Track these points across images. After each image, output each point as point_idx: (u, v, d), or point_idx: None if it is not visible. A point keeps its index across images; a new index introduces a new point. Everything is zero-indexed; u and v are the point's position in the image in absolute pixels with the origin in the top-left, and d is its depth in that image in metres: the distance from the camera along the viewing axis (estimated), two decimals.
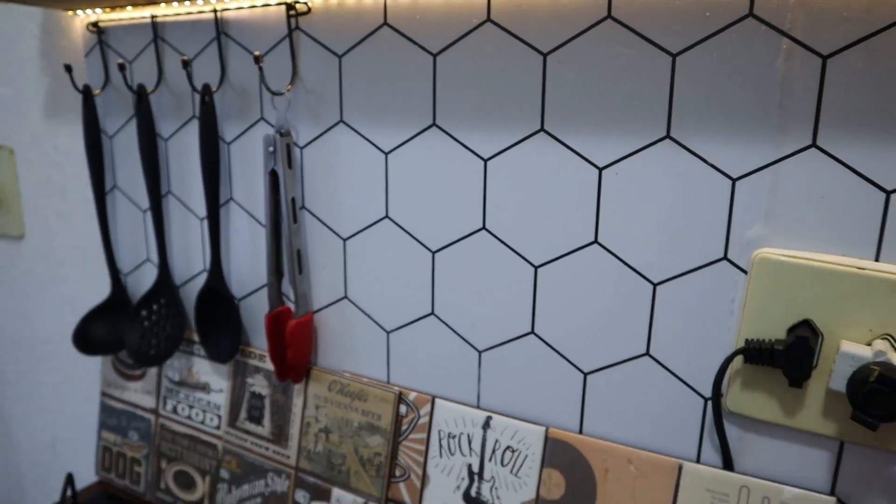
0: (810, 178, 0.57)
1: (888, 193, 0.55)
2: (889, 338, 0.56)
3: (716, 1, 0.58)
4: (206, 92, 0.82)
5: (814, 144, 0.57)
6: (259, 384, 0.91)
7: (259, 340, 0.91)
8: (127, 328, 0.95)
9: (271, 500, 0.90)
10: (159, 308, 0.96)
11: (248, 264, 0.90)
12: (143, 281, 1.01)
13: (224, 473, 0.94)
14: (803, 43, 0.56)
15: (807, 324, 0.59)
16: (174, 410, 0.99)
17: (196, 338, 0.95)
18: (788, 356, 0.58)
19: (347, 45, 0.76)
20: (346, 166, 0.79)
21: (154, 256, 0.99)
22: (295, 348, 0.82)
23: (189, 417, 0.98)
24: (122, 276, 1.02)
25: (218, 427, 0.95)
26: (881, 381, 0.53)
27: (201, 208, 0.92)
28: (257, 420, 0.91)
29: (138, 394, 1.03)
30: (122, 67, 0.88)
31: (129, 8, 0.88)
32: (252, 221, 0.88)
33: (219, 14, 0.83)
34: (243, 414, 0.92)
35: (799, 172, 0.58)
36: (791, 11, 0.55)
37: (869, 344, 0.56)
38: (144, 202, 0.98)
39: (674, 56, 0.60)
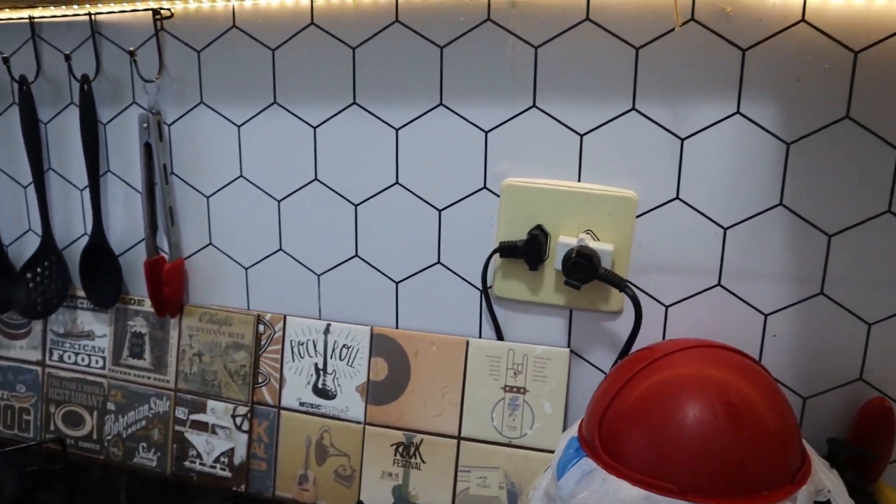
0: (535, 127, 0.85)
1: (581, 136, 0.84)
2: (590, 231, 0.85)
3: (465, 9, 0.85)
4: (86, 81, 1.01)
5: (534, 105, 0.85)
6: (139, 324, 1.09)
7: (136, 288, 1.10)
8: (13, 289, 1.10)
9: (154, 420, 1.08)
10: (43, 270, 1.12)
11: (123, 225, 1.08)
12: (25, 249, 1.16)
13: (110, 406, 1.11)
14: (522, 38, 0.83)
15: (539, 227, 0.86)
16: (61, 359, 1.15)
17: (80, 293, 1.12)
18: (528, 250, 0.86)
19: (205, 43, 0.97)
20: (206, 138, 1.00)
21: (36, 227, 1.14)
22: (171, 286, 1.02)
23: (75, 363, 1.14)
24: (3, 246, 1.17)
25: (103, 367, 1.12)
26: (579, 255, 0.82)
27: (80, 181, 1.09)
28: (139, 355, 1.09)
29: (24, 350, 1.18)
30: (5, 60, 1.04)
31: (6, 10, 1.04)
32: (127, 188, 1.07)
33: (93, 17, 1.01)
34: (126, 352, 1.10)
35: (527, 124, 0.86)
36: (512, 17, 0.83)
37: (576, 237, 0.85)
38: (24, 179, 1.13)
39: (441, 48, 0.86)
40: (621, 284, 0.82)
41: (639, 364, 0.74)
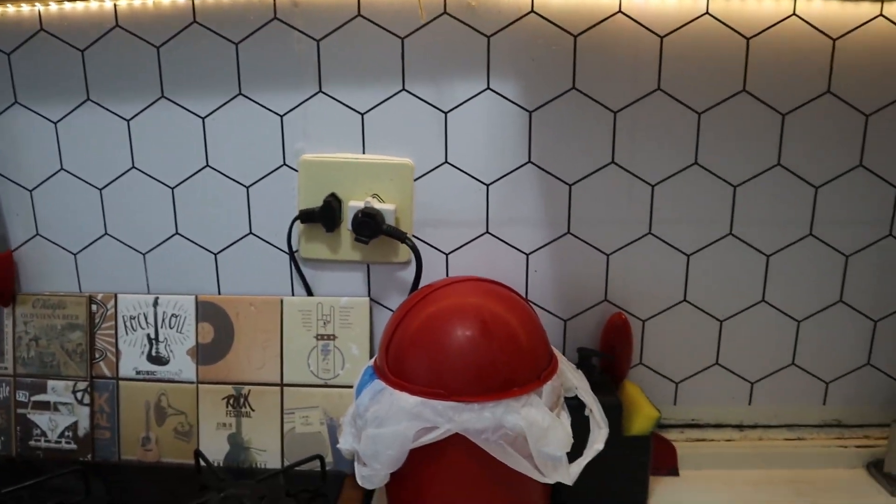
0: (323, 109, 0.99)
1: (362, 114, 0.99)
2: (376, 195, 1.00)
3: (254, 9, 0.97)
4: None
5: (320, 91, 0.99)
6: None
7: None
8: None
9: None
10: None
11: None
12: None
13: None
14: (306, 33, 0.97)
15: (333, 195, 1.00)
16: None
17: None
18: (324, 215, 1.00)
19: (13, 46, 1.04)
20: (24, 137, 1.07)
21: None
22: None
23: None
24: None
25: None
26: (364, 215, 0.97)
27: None
28: None
29: None
30: None
31: None
32: None
33: None
34: None
35: (316, 107, 0.99)
36: (296, 15, 0.97)
37: (364, 200, 0.99)
38: None
39: (236, 44, 0.99)
40: (401, 237, 0.98)
41: (415, 299, 0.90)
